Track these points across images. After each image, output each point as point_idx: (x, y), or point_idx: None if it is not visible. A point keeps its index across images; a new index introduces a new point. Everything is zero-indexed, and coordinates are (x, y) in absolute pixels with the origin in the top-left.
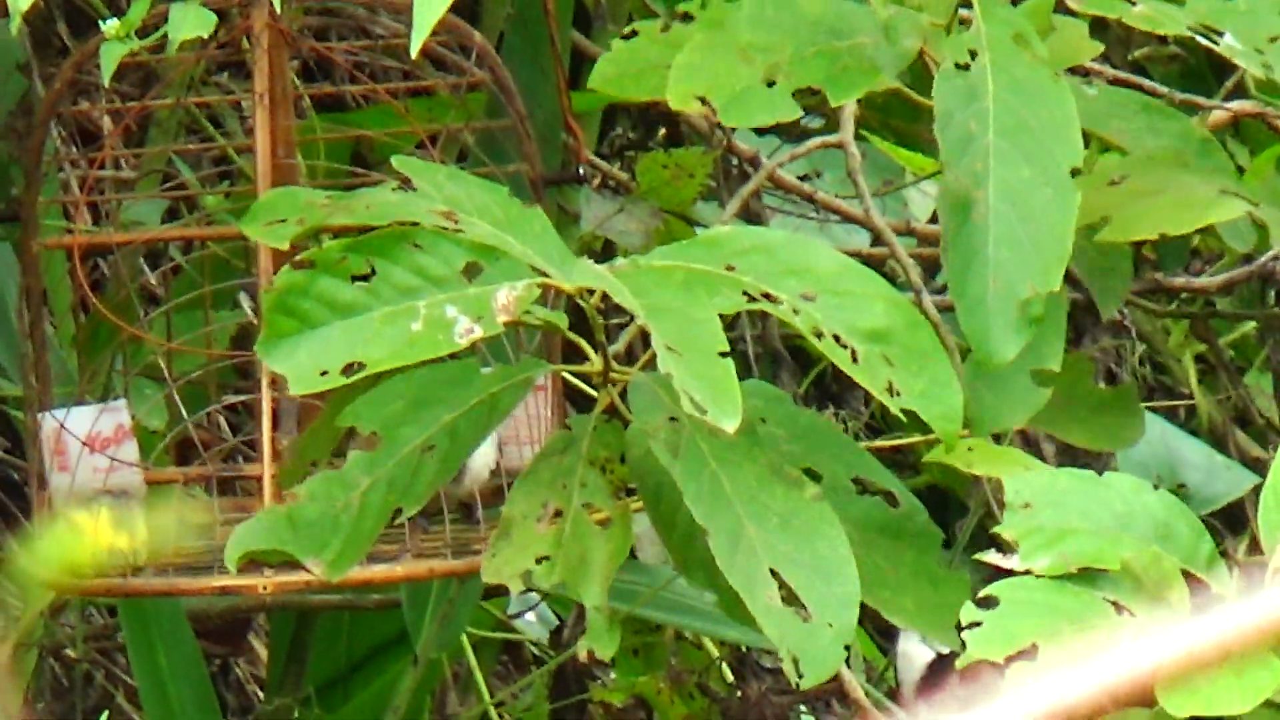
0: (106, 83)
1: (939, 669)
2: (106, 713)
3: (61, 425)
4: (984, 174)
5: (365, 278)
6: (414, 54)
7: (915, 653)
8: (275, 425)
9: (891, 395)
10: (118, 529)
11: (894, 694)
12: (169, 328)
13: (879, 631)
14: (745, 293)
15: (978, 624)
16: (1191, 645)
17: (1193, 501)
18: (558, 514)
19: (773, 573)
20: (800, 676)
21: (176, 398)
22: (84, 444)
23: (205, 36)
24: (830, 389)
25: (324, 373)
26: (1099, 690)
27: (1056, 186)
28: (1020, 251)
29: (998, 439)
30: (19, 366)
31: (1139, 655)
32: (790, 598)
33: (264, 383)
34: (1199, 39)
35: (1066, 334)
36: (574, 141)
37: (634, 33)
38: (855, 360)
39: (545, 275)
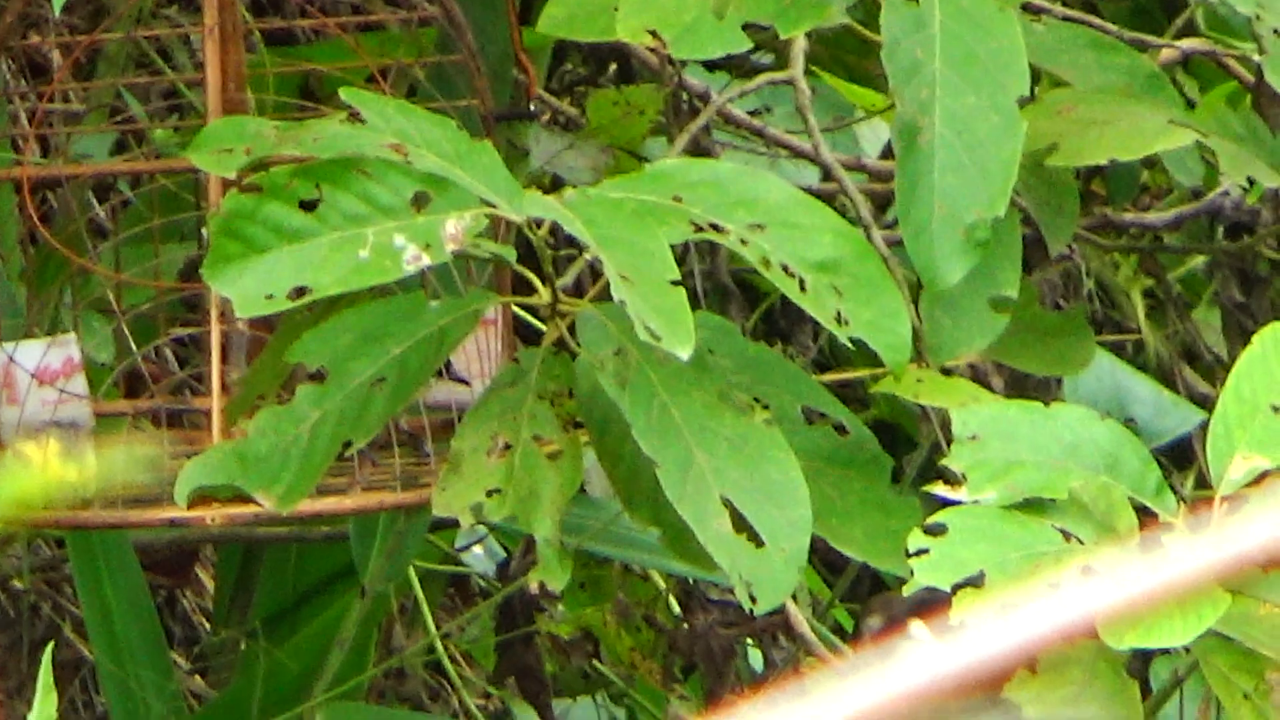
0: (56, 15)
1: (890, 602)
2: (52, 643)
3: (10, 358)
4: (930, 101)
5: (313, 205)
6: None
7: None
8: (224, 359)
9: (840, 324)
10: (67, 461)
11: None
12: (118, 261)
13: (825, 565)
14: (693, 223)
15: (925, 551)
16: (1138, 573)
17: (1141, 437)
18: (507, 447)
19: (724, 501)
20: (753, 602)
21: (125, 331)
22: (33, 377)
23: None
24: (779, 324)
25: (270, 296)
26: (1044, 619)
27: (1003, 114)
28: (966, 177)
29: (946, 373)
30: None
31: (1085, 584)
32: (741, 526)
33: (213, 315)
34: None
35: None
36: (525, 77)
37: None
38: (803, 290)
39: (493, 206)
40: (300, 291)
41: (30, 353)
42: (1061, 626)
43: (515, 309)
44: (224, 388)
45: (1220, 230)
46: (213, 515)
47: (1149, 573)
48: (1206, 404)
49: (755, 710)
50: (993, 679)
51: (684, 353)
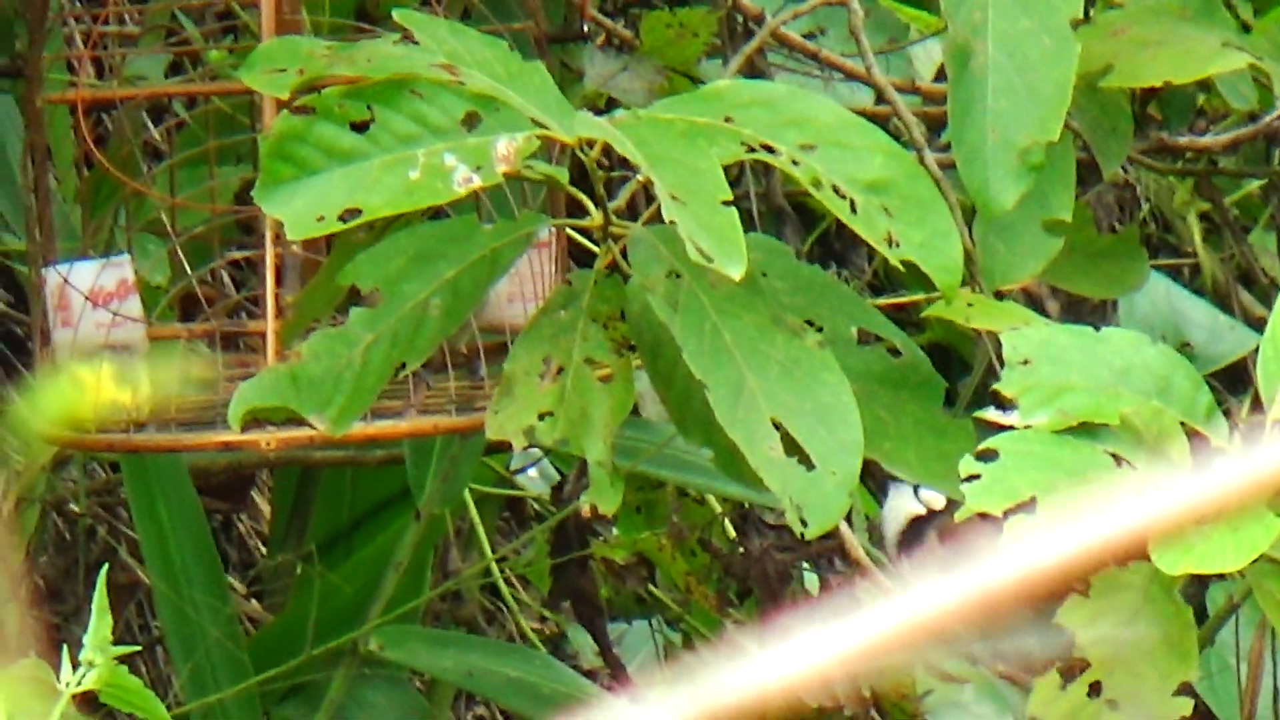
0: None
1: (919, 527)
2: (107, 567)
3: (65, 280)
4: (982, 24)
5: (364, 126)
6: None
7: (900, 508)
8: (279, 282)
9: (891, 246)
10: (121, 384)
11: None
12: (173, 183)
13: (880, 490)
14: (745, 144)
15: (976, 476)
16: (1189, 497)
17: (1197, 360)
18: (560, 370)
19: (775, 424)
20: (805, 526)
21: (180, 253)
22: (87, 299)
23: None
24: (833, 247)
25: (321, 218)
26: (1096, 543)
27: (1055, 36)
28: (1018, 100)
29: (999, 297)
30: (23, 221)
31: (1137, 508)
32: (792, 448)
33: (268, 238)
34: None
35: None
36: None
37: None
38: (854, 211)
39: (545, 127)
40: (351, 213)
41: (84, 274)
42: (1112, 548)
43: (569, 232)
44: (279, 311)
45: (1277, 154)
46: (267, 439)
47: (1200, 494)
48: (1263, 327)
49: (810, 633)
50: (1041, 596)
51: (735, 273)
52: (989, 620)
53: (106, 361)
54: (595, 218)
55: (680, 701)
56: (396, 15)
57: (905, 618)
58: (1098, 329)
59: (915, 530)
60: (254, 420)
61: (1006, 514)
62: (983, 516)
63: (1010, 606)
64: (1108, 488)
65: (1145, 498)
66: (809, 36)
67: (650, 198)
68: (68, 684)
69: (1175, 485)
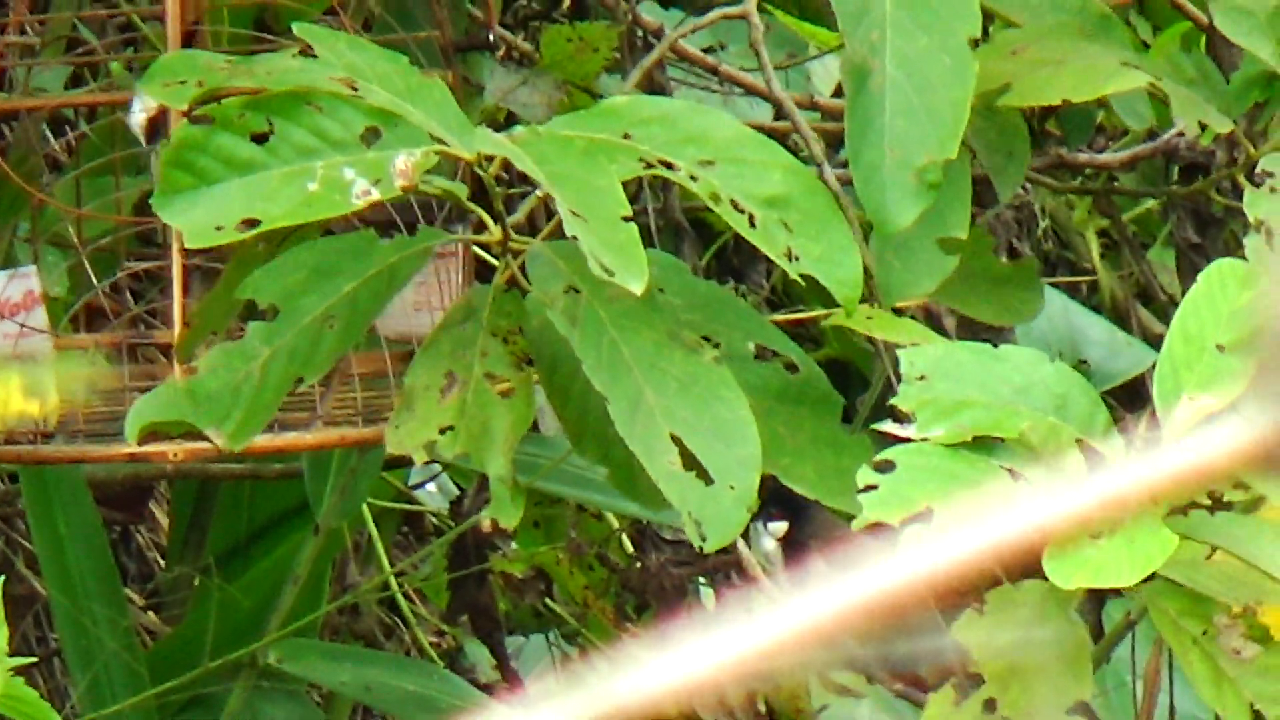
0: None
1: (791, 546)
2: (4, 578)
3: None
4: (880, 43)
5: (264, 138)
6: None
7: (763, 537)
8: (186, 292)
9: (790, 261)
10: (28, 395)
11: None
12: (79, 194)
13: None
14: (643, 160)
15: (873, 487)
16: (1082, 506)
17: (1094, 377)
18: (460, 384)
19: (673, 439)
20: (703, 540)
21: (86, 264)
22: None
23: None
24: (731, 263)
25: (219, 228)
26: (989, 551)
27: (954, 55)
28: (916, 120)
29: (898, 313)
30: None
31: (1030, 516)
32: (691, 464)
33: (175, 248)
34: None
35: (970, 208)
36: (483, 10)
37: None
38: (753, 225)
39: (444, 143)
40: (250, 223)
41: None
42: (1006, 559)
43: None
44: (185, 321)
45: (1175, 171)
46: (175, 451)
47: (1093, 502)
48: (1160, 344)
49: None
50: (932, 604)
51: (637, 287)
52: (880, 627)
53: (14, 372)
54: (495, 233)
55: (571, 706)
56: (295, 28)
57: (796, 623)
58: (995, 346)
59: (791, 546)
60: (154, 434)
61: (903, 524)
62: (872, 528)
63: (902, 613)
64: (1003, 499)
65: (1038, 506)
66: (708, 51)
67: (550, 213)
68: None
69: (1068, 494)
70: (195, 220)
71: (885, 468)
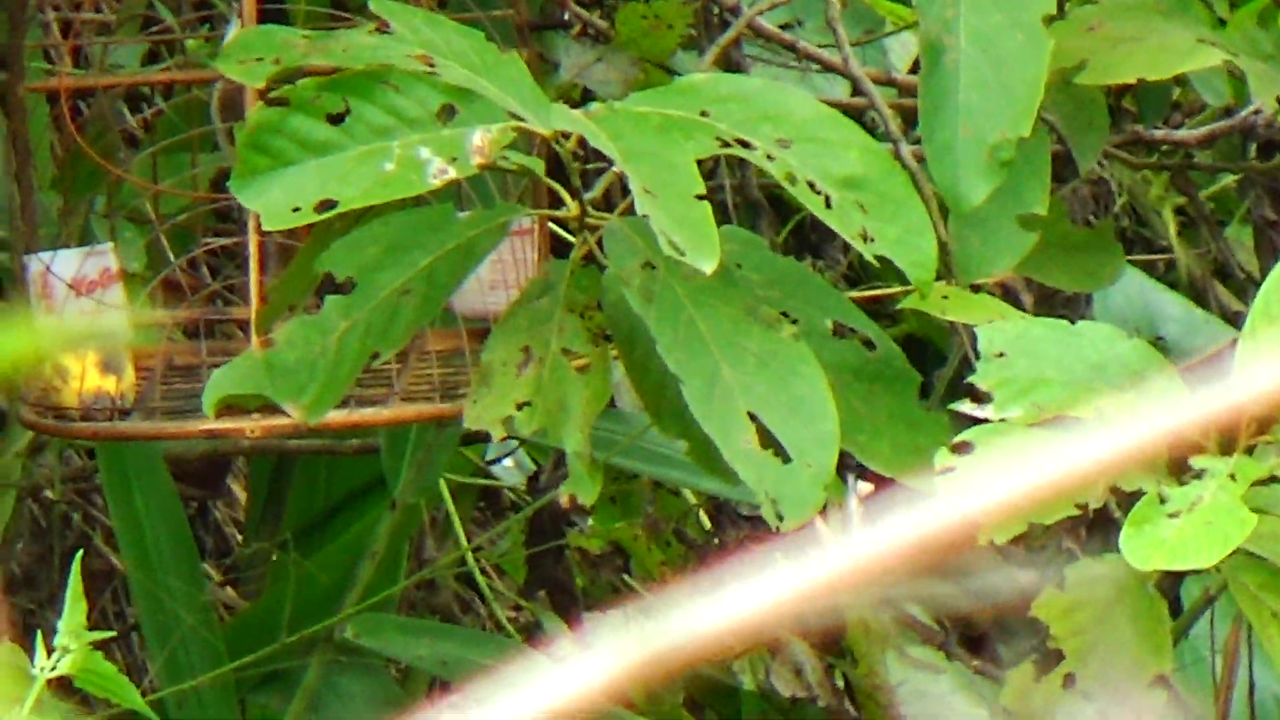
0: None
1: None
2: (82, 553)
3: (48, 268)
4: (955, 20)
5: (340, 117)
6: None
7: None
8: (262, 269)
9: (865, 242)
10: (105, 372)
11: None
12: (155, 170)
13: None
14: (719, 138)
15: (951, 470)
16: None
17: (1171, 354)
18: (537, 360)
19: (750, 417)
20: (780, 519)
21: (163, 240)
22: (70, 287)
23: None
24: (808, 239)
25: (296, 209)
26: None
27: (1028, 32)
28: (990, 97)
29: (974, 290)
30: (5, 210)
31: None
32: (767, 441)
33: (250, 225)
34: None
35: (1049, 185)
36: None
37: None
38: (829, 206)
39: (520, 119)
40: (326, 204)
41: (67, 263)
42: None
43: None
44: (262, 298)
45: (1252, 148)
46: (251, 426)
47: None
48: (1238, 322)
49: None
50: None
51: (708, 266)
52: (932, 569)
53: (90, 349)
54: (571, 208)
55: (627, 644)
56: (373, 4)
57: (852, 563)
58: (1073, 322)
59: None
60: (230, 408)
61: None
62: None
63: (952, 554)
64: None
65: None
66: (785, 28)
67: (626, 189)
68: (42, 669)
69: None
70: (272, 202)
71: (963, 449)
